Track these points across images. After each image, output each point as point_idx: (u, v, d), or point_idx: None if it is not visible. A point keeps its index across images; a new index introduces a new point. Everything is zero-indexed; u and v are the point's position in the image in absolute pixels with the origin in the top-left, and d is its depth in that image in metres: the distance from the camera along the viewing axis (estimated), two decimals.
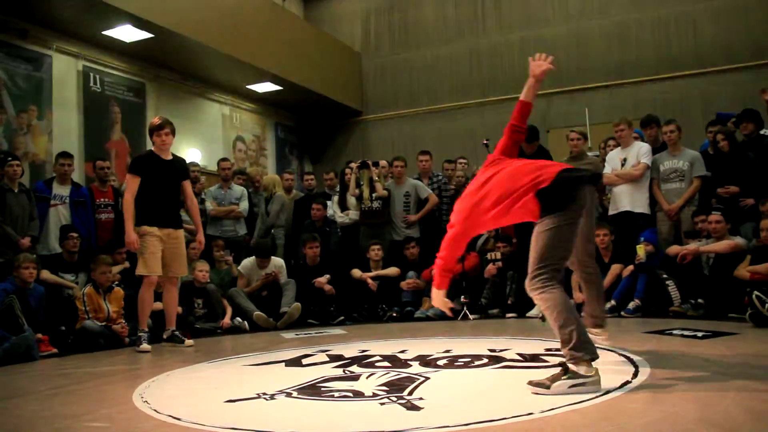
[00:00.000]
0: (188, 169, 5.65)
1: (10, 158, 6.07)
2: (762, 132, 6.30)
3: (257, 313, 6.48)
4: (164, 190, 5.24)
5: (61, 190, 6.47)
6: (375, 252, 7.19)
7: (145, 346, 5.01)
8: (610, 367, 3.05)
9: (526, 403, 2.35)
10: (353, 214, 7.67)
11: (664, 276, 5.72)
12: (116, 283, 6.26)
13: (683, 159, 6.28)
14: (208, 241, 7.30)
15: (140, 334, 5.11)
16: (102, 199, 6.85)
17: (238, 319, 6.50)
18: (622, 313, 5.74)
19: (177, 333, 5.33)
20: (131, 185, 5.15)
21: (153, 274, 5.13)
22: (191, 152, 9.71)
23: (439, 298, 3.24)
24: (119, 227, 6.98)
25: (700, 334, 4.09)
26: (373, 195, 7.44)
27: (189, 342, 5.27)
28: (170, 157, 5.31)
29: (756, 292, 4.39)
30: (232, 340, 5.83)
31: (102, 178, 6.96)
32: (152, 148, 5.32)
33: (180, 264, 5.35)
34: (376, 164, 7.63)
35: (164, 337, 5.34)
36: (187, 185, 5.46)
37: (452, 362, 3.49)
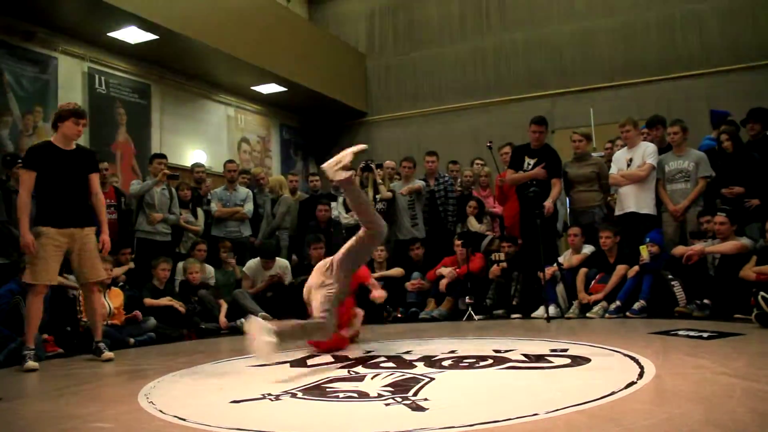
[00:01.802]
0: (96, 160, 4.97)
1: (19, 160, 6.08)
2: None
3: (262, 314, 6.48)
4: (64, 184, 4.59)
5: None
6: (378, 253, 7.19)
7: (30, 363, 4.24)
8: (615, 368, 3.05)
9: (531, 404, 2.35)
10: None
11: (670, 276, 5.70)
12: (121, 284, 6.29)
13: (689, 159, 6.27)
14: (214, 243, 7.35)
15: (25, 352, 4.34)
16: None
17: (242, 320, 6.51)
18: (628, 313, 5.73)
19: (101, 344, 4.67)
20: (26, 181, 4.49)
21: (39, 282, 4.42)
22: (196, 153, 9.74)
23: None
24: (122, 227, 7.01)
25: (705, 334, 4.07)
26: (378, 197, 7.45)
27: (108, 355, 4.59)
28: (72, 147, 4.69)
29: (762, 293, 4.37)
30: (237, 341, 5.82)
31: (100, 180, 6.96)
32: (51, 138, 4.70)
33: (91, 267, 4.67)
34: (380, 166, 7.66)
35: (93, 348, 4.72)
36: (95, 179, 4.80)
37: (457, 363, 3.48)
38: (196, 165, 8.48)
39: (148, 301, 6.12)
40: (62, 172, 4.58)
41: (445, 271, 6.85)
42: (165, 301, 6.21)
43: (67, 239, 4.55)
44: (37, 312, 4.47)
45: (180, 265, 6.85)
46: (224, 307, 6.58)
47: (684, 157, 6.30)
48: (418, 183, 7.61)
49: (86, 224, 4.67)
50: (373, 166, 7.55)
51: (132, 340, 5.56)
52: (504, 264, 6.72)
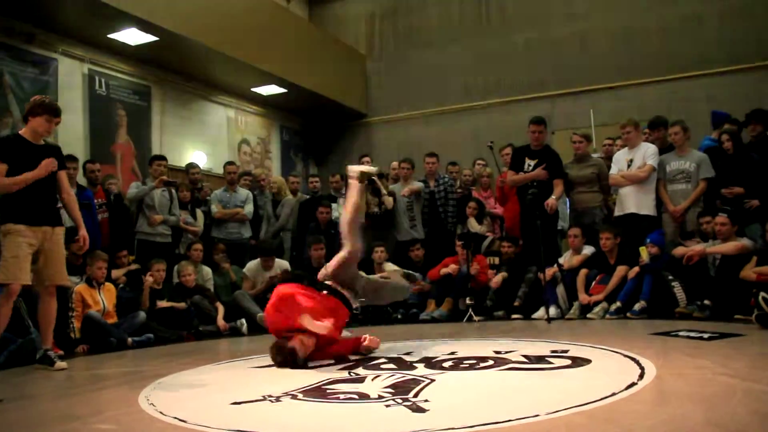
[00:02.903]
0: (63, 157, 4.61)
1: None
2: None
3: (261, 314, 6.48)
4: (37, 180, 4.28)
5: None
6: (378, 254, 7.20)
7: None
8: (616, 369, 3.04)
9: (531, 405, 2.34)
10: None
11: (670, 277, 5.70)
12: (121, 285, 6.30)
13: (690, 160, 6.26)
14: (212, 245, 7.34)
15: None
16: (96, 200, 6.88)
17: (242, 320, 6.50)
18: (628, 314, 5.73)
19: (50, 353, 4.35)
20: None
21: (12, 281, 4.11)
22: (196, 155, 9.74)
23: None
24: (115, 227, 7.00)
25: (706, 335, 4.07)
26: (382, 206, 7.46)
27: (61, 365, 4.29)
28: (41, 143, 4.40)
29: (762, 294, 4.37)
30: (237, 342, 5.84)
31: (92, 181, 6.99)
32: (21, 131, 4.39)
33: (57, 269, 4.38)
34: (381, 176, 7.67)
35: (36, 358, 4.37)
36: (64, 176, 4.54)
37: (457, 364, 3.48)
38: (191, 165, 8.46)
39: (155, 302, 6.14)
40: (33, 168, 4.27)
41: (450, 269, 6.84)
42: (166, 304, 6.23)
43: (39, 237, 4.26)
44: (6, 314, 4.16)
45: (176, 267, 6.86)
46: (221, 309, 6.57)
47: (686, 158, 6.29)
48: (418, 184, 7.62)
49: (57, 223, 4.43)
50: (375, 179, 7.53)
51: (130, 340, 5.57)
52: (503, 272, 6.71)
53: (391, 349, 4.25)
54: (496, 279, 6.69)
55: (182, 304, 6.28)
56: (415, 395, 2.66)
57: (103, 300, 5.71)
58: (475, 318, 6.31)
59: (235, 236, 7.66)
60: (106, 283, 5.88)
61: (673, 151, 6.41)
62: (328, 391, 2.90)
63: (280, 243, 7.80)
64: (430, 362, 3.55)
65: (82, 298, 5.59)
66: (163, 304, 6.21)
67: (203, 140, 10.12)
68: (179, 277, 6.58)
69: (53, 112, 4.35)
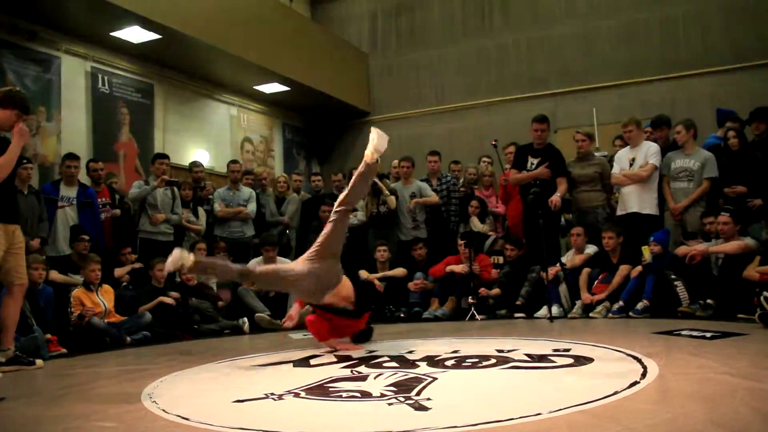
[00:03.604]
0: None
1: (24, 161, 6.05)
2: None
3: (258, 314, 6.49)
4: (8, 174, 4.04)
5: (68, 192, 6.50)
6: (381, 253, 7.20)
7: None
8: (618, 368, 3.04)
9: (533, 404, 2.35)
10: (361, 216, 7.69)
11: (673, 276, 5.69)
12: (124, 284, 6.30)
13: (695, 159, 6.24)
14: (213, 242, 7.35)
15: None
16: (100, 199, 6.90)
17: (243, 319, 6.51)
18: (631, 313, 5.72)
19: (19, 353, 4.22)
20: None
21: None
22: (199, 153, 9.74)
23: None
24: (119, 226, 7.01)
25: (708, 334, 4.07)
26: (384, 205, 7.44)
27: (39, 363, 4.25)
28: (2, 136, 4.09)
29: (765, 293, 4.36)
30: (239, 341, 5.84)
31: (95, 180, 7.00)
32: None
33: (24, 267, 4.24)
34: (383, 176, 7.66)
35: (3, 361, 4.11)
36: None
37: (460, 363, 3.48)
38: (194, 164, 8.45)
39: (142, 308, 6.10)
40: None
41: (456, 267, 6.83)
42: (156, 301, 6.18)
43: (9, 236, 4.06)
44: None
45: None
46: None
47: (691, 157, 6.27)
48: (434, 198, 7.56)
49: (18, 221, 4.22)
50: (377, 181, 7.53)
51: (128, 339, 5.57)
52: (491, 291, 6.68)
53: (393, 347, 4.25)
54: (490, 293, 6.68)
55: (173, 299, 6.27)
56: (418, 393, 2.66)
57: (103, 301, 5.72)
58: (478, 317, 6.31)
59: (237, 235, 7.66)
60: (104, 285, 5.89)
61: (680, 149, 6.39)
62: (330, 389, 2.90)
63: (287, 241, 7.80)
64: (433, 361, 3.55)
65: (81, 302, 5.60)
66: (154, 303, 6.11)
67: (206, 138, 10.11)
68: (180, 276, 6.58)
69: (25, 109, 4.10)
